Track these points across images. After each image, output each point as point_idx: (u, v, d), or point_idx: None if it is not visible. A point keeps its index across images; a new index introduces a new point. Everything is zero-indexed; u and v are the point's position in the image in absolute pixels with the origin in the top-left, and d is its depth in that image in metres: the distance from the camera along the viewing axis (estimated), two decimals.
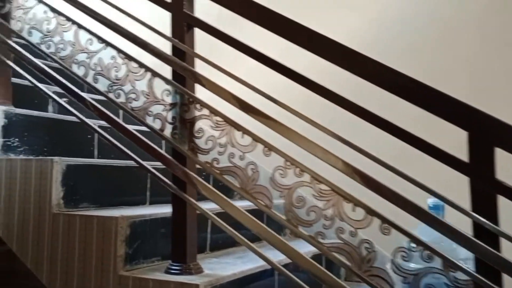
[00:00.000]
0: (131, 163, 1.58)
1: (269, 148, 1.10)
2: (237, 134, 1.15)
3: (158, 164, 1.26)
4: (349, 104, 1.06)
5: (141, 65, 1.27)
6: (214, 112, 1.17)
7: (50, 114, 1.68)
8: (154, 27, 1.25)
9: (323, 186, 1.04)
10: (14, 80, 1.62)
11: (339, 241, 1.01)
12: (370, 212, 0.99)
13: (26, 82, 1.73)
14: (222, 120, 1.16)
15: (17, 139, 1.48)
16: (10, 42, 1.52)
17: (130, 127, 1.30)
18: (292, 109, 1.10)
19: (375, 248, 0.99)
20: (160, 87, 1.25)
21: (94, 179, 1.44)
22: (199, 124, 1.20)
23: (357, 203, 1.00)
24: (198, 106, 1.20)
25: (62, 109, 1.93)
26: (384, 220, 0.97)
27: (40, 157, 1.46)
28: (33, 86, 1.77)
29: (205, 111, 1.19)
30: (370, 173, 1.02)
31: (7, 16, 1.52)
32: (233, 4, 1.23)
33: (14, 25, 1.50)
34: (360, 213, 1.00)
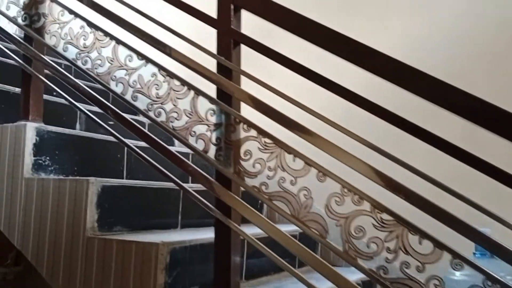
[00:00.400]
0: (164, 184, 1.53)
1: (324, 173, 1.03)
2: (288, 157, 1.08)
3: (196, 185, 1.20)
4: (400, 121, 1.00)
5: (184, 83, 1.22)
6: (262, 133, 1.11)
7: (81, 132, 1.62)
8: (199, 44, 1.19)
9: (385, 216, 0.96)
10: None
11: (404, 276, 0.93)
12: (439, 245, 0.91)
13: (54, 98, 1.69)
14: (271, 142, 1.10)
15: (48, 158, 1.42)
16: (43, 57, 1.47)
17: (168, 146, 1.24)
18: (344, 128, 1.03)
19: None
20: (204, 106, 1.19)
21: (127, 200, 1.37)
22: (246, 146, 1.13)
23: (423, 235, 0.93)
24: (245, 126, 1.13)
25: (89, 127, 1.89)
26: (455, 255, 0.90)
27: (75, 177, 1.39)
28: (61, 103, 1.75)
29: (253, 132, 1.12)
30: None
31: (41, 31, 1.47)
32: (279, 20, 1.17)
33: (49, 40, 1.45)
34: (427, 246, 0.92)
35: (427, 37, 1.98)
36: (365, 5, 2.13)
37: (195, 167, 1.18)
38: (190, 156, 1.63)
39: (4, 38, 1.55)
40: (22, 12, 1.51)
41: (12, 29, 1.60)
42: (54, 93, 1.60)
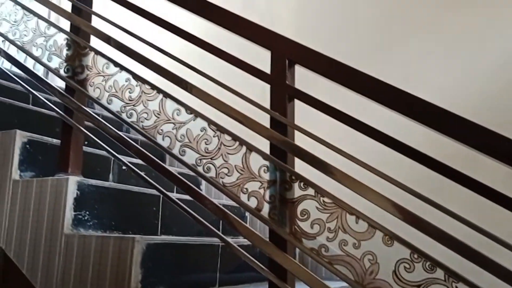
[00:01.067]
0: (204, 240, 1.48)
1: (391, 236, 0.97)
2: (350, 218, 1.03)
3: (241, 240, 1.14)
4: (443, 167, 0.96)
5: (235, 138, 1.18)
6: (321, 191, 1.06)
7: (119, 185, 1.58)
8: (253, 100, 1.17)
9: (461, 286, 0.90)
10: None
11: None
12: None
13: (88, 149, 1.66)
14: (331, 201, 1.05)
15: (87, 213, 1.37)
16: (86, 109, 1.45)
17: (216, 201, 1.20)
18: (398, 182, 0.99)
19: None
20: (257, 161, 1.15)
21: (169, 258, 1.31)
22: (303, 205, 1.08)
23: None
24: (301, 184, 1.09)
25: (122, 178, 1.86)
26: None
27: (119, 235, 1.34)
28: (95, 153, 1.72)
29: (310, 191, 1.07)
30: None
31: (84, 83, 1.46)
32: (333, 74, 1.15)
33: (92, 92, 1.43)
34: None
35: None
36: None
37: (247, 226, 1.13)
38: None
39: (45, 89, 1.54)
40: (65, 64, 1.50)
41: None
42: (86, 143, 1.58)
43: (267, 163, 1.14)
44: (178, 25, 1.36)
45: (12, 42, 1.62)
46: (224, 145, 1.19)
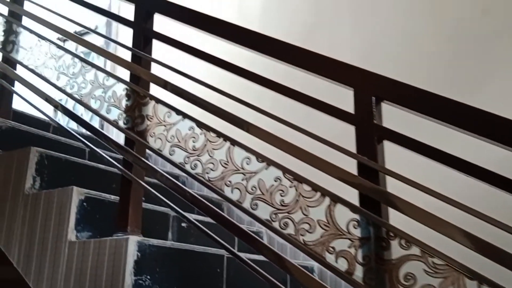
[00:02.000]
0: None
1: None
2: (470, 283, 0.83)
3: None
4: None
5: (317, 188, 1.02)
6: (428, 250, 0.87)
7: (182, 244, 1.43)
8: (338, 145, 1.02)
9: None
10: None
11: None
12: None
13: (147, 205, 1.55)
14: (444, 263, 0.85)
15: (148, 277, 1.23)
16: (148, 162, 1.34)
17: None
18: None
19: None
20: (344, 215, 0.98)
21: None
22: (406, 267, 0.90)
23: None
24: (403, 242, 0.90)
25: (181, 236, 1.72)
26: None
27: None
28: (153, 209, 1.60)
29: (415, 250, 0.89)
30: None
31: (144, 134, 1.36)
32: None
33: (153, 143, 1.32)
34: None
35: None
36: None
37: None
38: None
39: (103, 143, 1.46)
40: (124, 115, 1.41)
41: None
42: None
43: (357, 216, 0.97)
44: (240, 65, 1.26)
45: (70, 96, 1.57)
46: (303, 196, 1.04)
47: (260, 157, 1.12)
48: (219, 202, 1.78)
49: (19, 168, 1.53)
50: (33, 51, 1.74)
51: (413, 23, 2.13)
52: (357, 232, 0.96)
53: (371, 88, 1.03)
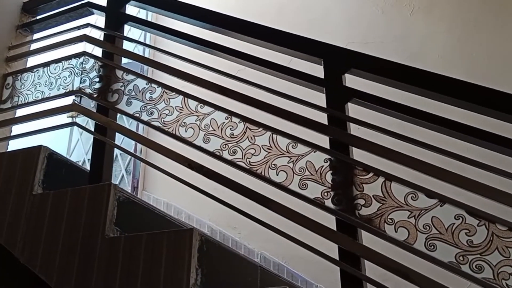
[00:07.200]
0: None
1: None
2: None
3: None
4: None
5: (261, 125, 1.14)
6: None
7: None
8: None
9: None
10: None
11: None
12: None
13: None
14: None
15: None
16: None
17: None
18: None
19: None
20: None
21: None
22: None
23: None
24: None
25: None
26: None
27: None
28: None
29: None
30: None
31: None
32: None
33: None
34: None
35: None
36: None
37: None
38: None
39: None
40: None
41: None
42: None
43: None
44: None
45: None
46: (250, 129, 1.15)
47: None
48: None
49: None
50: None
51: None
52: (295, 151, 1.07)
53: (337, 58, 1.20)
